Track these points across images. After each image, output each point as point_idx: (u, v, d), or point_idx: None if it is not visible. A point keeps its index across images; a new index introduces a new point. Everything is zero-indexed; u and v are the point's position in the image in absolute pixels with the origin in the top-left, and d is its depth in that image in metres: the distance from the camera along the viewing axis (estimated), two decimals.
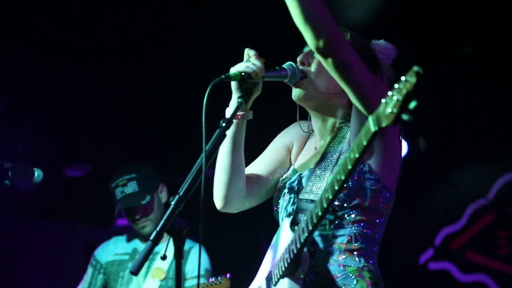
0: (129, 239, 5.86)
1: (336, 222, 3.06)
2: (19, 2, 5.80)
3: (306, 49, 3.35)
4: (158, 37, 6.32)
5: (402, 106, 2.35)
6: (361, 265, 3.05)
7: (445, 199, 6.37)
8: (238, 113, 3.09)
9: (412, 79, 2.32)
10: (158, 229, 2.73)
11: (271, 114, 5.70)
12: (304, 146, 3.48)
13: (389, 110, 2.40)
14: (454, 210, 6.53)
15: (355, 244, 3.06)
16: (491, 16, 5.76)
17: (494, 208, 6.36)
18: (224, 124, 2.94)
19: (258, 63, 3.14)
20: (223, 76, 3.03)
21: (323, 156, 3.20)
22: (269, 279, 3.14)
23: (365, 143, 2.54)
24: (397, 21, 5.69)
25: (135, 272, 2.68)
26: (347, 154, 2.64)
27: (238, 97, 3.09)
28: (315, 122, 3.36)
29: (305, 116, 3.46)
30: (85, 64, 6.48)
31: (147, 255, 2.70)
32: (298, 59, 3.30)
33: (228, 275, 5.01)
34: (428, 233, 6.72)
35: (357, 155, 2.58)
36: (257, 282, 3.29)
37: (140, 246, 5.78)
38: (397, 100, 2.36)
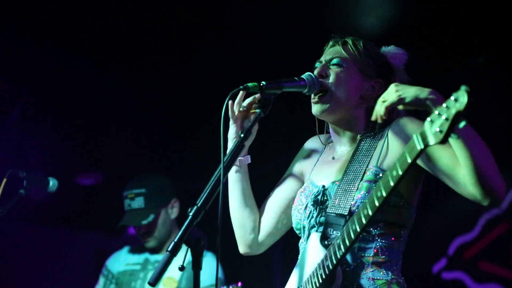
0: (140, 249, 5.84)
1: (362, 235, 3.04)
2: (35, 12, 5.82)
3: (322, 59, 3.37)
4: (174, 45, 6.32)
5: (451, 125, 2.36)
6: (389, 278, 3.05)
7: (458, 208, 6.32)
8: (238, 158, 3.21)
9: (463, 99, 2.33)
10: (176, 240, 2.73)
11: (289, 125, 5.71)
12: (318, 159, 3.49)
13: (437, 129, 2.40)
14: (467, 219, 6.48)
15: (382, 257, 3.06)
16: (506, 27, 5.74)
17: (507, 218, 6.32)
18: (242, 135, 2.94)
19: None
20: (241, 87, 3.04)
21: (347, 169, 3.19)
22: None
23: (409, 161, 2.57)
24: (410, 30, 5.67)
25: (153, 283, 2.69)
26: (389, 172, 2.65)
27: (257, 108, 3.09)
28: (335, 134, 3.38)
29: (321, 128, 3.49)
30: (98, 72, 6.48)
31: (165, 266, 2.71)
32: (316, 71, 3.30)
33: (239, 283, 4.99)
34: (441, 242, 6.67)
35: (400, 173, 2.60)
36: None
37: (151, 256, 5.77)
38: (446, 119, 2.37)
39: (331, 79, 3.27)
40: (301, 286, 3.09)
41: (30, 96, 6.66)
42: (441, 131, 2.39)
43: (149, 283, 2.69)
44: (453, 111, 2.35)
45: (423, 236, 6.21)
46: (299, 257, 3.25)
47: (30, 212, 6.98)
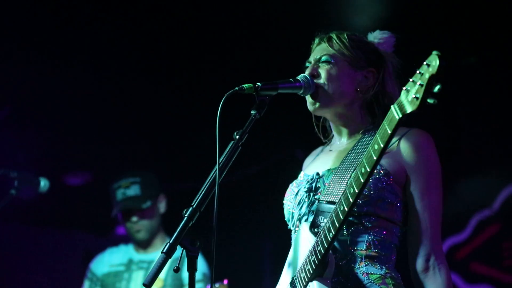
0: (124, 250, 5.83)
1: (354, 227, 3.06)
2: (24, 9, 5.78)
3: (311, 59, 3.37)
4: (163, 43, 6.30)
5: (426, 90, 2.40)
6: (383, 272, 3.05)
7: (450, 209, 6.33)
8: None
9: (435, 63, 2.37)
10: (171, 241, 2.72)
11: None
12: (316, 157, 3.51)
13: (413, 96, 2.44)
14: (458, 220, 6.48)
15: (375, 251, 3.06)
16: (498, 26, 5.76)
17: (499, 219, 6.32)
18: (237, 137, 2.92)
19: None
20: (237, 88, 3.00)
21: (345, 158, 3.19)
22: (294, 285, 3.11)
23: (389, 131, 2.58)
24: (402, 30, 5.67)
25: (148, 284, 2.67)
26: (370, 147, 2.67)
27: (252, 110, 3.07)
28: (334, 128, 3.40)
29: (318, 127, 3.51)
30: (88, 71, 6.46)
31: (161, 267, 2.69)
32: (307, 72, 3.30)
33: (225, 281, 4.98)
34: None
35: (382, 145, 2.62)
36: None
37: (135, 256, 5.75)
38: (420, 85, 2.41)
39: (323, 77, 3.27)
40: (295, 276, 3.09)
41: (19, 95, 6.62)
42: (417, 98, 2.43)
43: (144, 284, 2.68)
44: (426, 75, 2.39)
45: None
46: (291, 248, 3.26)
47: (18, 212, 6.93)
